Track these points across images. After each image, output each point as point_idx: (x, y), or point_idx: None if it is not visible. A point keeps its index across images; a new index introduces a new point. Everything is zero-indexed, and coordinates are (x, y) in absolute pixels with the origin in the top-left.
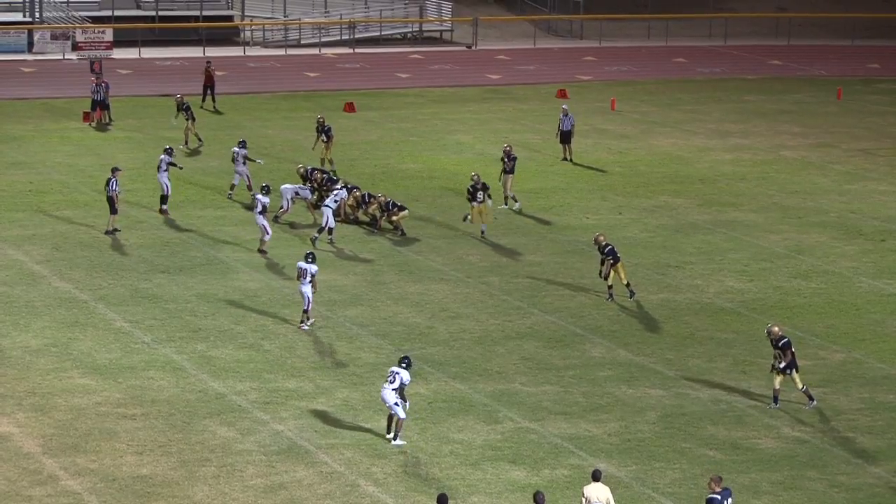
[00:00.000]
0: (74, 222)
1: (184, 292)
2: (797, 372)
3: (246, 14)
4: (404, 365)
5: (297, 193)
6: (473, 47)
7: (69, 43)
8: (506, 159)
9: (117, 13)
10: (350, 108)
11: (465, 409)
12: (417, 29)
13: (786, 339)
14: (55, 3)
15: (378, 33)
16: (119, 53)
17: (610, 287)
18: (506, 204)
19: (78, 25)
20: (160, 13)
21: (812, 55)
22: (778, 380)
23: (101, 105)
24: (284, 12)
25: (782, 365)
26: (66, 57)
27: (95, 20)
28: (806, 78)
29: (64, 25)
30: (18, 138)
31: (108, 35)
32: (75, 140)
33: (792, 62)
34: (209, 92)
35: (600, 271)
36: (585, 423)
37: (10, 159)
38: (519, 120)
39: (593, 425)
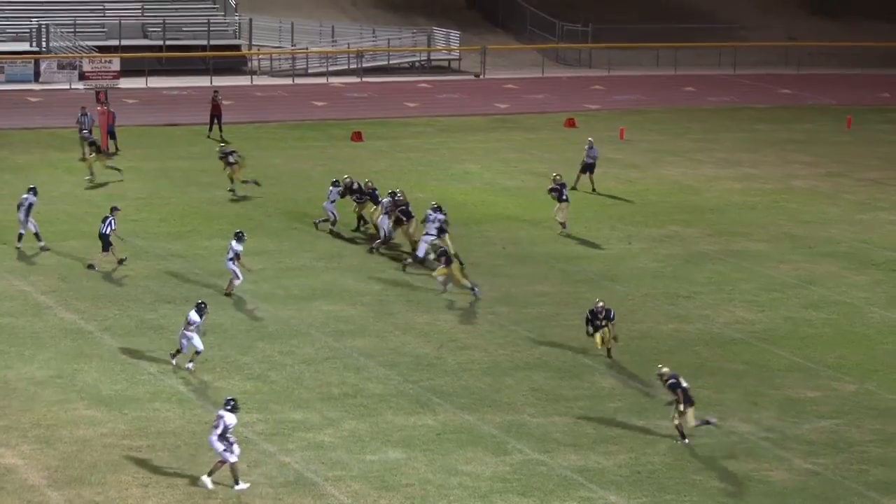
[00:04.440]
0: (80, 253)
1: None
2: (691, 407)
3: (253, 43)
4: (229, 408)
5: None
6: (481, 76)
7: (76, 72)
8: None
9: (124, 43)
10: (357, 137)
11: (473, 441)
12: (425, 58)
13: (673, 380)
14: (62, 32)
15: (386, 62)
16: (126, 83)
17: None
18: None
19: (85, 55)
20: (167, 42)
21: (822, 84)
22: (690, 413)
23: (86, 140)
24: (292, 41)
25: (681, 408)
26: (72, 86)
27: (102, 49)
28: (816, 107)
29: (71, 55)
30: (25, 168)
31: (115, 64)
32: (81, 170)
33: (802, 91)
34: (216, 121)
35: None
36: (595, 455)
37: (17, 190)
38: (527, 149)
39: (603, 457)
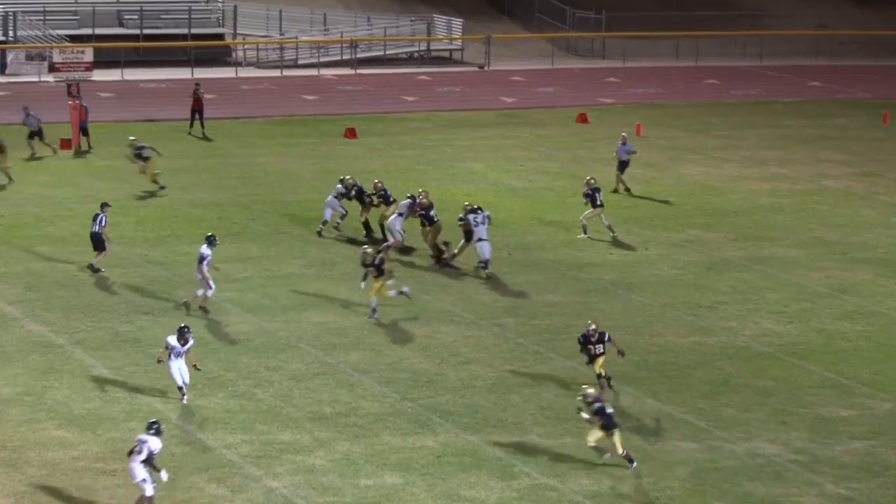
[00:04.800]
0: (50, 259)
1: (169, 335)
2: (616, 431)
3: (238, 32)
4: (153, 431)
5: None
6: (486, 68)
7: (45, 64)
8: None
9: (98, 32)
10: (351, 133)
11: (477, 464)
12: (425, 48)
13: (598, 404)
14: (30, 20)
15: (382, 53)
16: (100, 75)
17: (601, 377)
18: (613, 232)
19: (55, 45)
20: (145, 31)
21: (855, 76)
22: (616, 439)
23: (38, 134)
24: (280, 30)
25: (599, 433)
26: (42, 79)
27: (74, 39)
28: (849, 101)
29: (40, 45)
30: None
31: (88, 55)
32: (52, 169)
33: (833, 84)
34: (197, 116)
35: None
36: (609, 479)
37: None
38: (535, 147)
39: (618, 481)
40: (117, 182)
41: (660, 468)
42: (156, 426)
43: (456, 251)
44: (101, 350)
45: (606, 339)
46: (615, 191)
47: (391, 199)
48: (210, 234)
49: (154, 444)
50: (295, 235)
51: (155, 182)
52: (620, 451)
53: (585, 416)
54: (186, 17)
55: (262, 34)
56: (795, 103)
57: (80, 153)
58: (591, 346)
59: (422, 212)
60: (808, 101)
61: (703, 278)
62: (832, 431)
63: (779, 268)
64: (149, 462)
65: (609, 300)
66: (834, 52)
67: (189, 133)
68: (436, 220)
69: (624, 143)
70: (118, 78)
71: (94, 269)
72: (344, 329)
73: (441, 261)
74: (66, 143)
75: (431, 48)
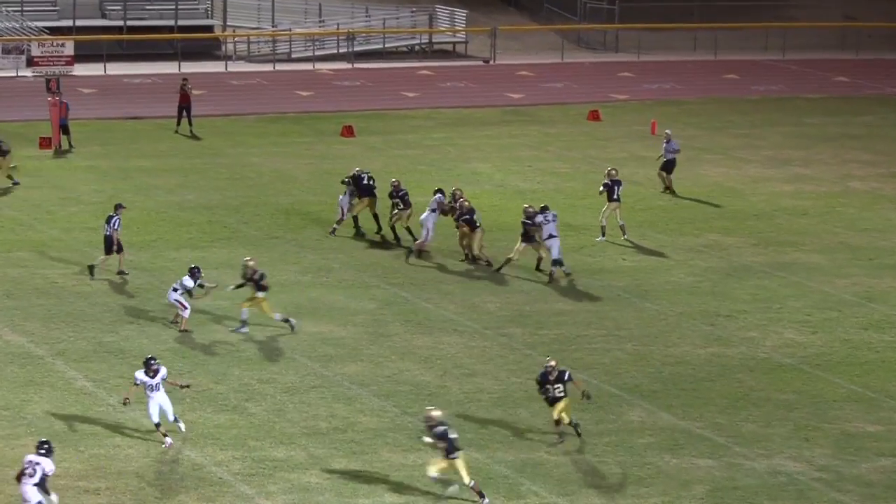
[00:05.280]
0: (29, 266)
1: (155, 346)
2: (462, 460)
3: (228, 24)
4: (44, 451)
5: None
6: (491, 62)
7: (23, 58)
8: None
9: (79, 24)
10: (348, 132)
11: (482, 482)
12: (426, 41)
13: (441, 427)
14: (7, 11)
15: (381, 46)
16: (81, 70)
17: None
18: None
19: (34, 38)
20: (129, 23)
21: (884, 71)
22: (438, 466)
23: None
24: (273, 22)
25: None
26: (19, 74)
27: (54, 31)
28: (877, 97)
29: (17, 38)
30: None
31: (69, 49)
32: (31, 170)
33: (861, 79)
34: (185, 113)
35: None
36: (623, 499)
37: None
38: (544, 146)
39: (632, 500)
40: (100, 183)
41: (676, 487)
42: (46, 446)
43: (513, 256)
44: (84, 361)
45: (567, 377)
46: (666, 190)
47: (410, 202)
48: (194, 265)
49: (47, 465)
50: (289, 240)
51: (10, 178)
52: (467, 480)
53: (427, 440)
54: (173, 7)
55: (254, 26)
56: (820, 100)
57: (60, 153)
58: (549, 387)
59: (466, 216)
60: (833, 98)
61: (721, 285)
62: (858, 448)
63: (802, 274)
64: (42, 485)
65: (622, 309)
66: (861, 45)
67: (176, 131)
68: (478, 224)
69: (668, 142)
70: (100, 73)
71: (92, 271)
72: (341, 339)
73: (487, 265)
74: (45, 142)
75: (433, 41)
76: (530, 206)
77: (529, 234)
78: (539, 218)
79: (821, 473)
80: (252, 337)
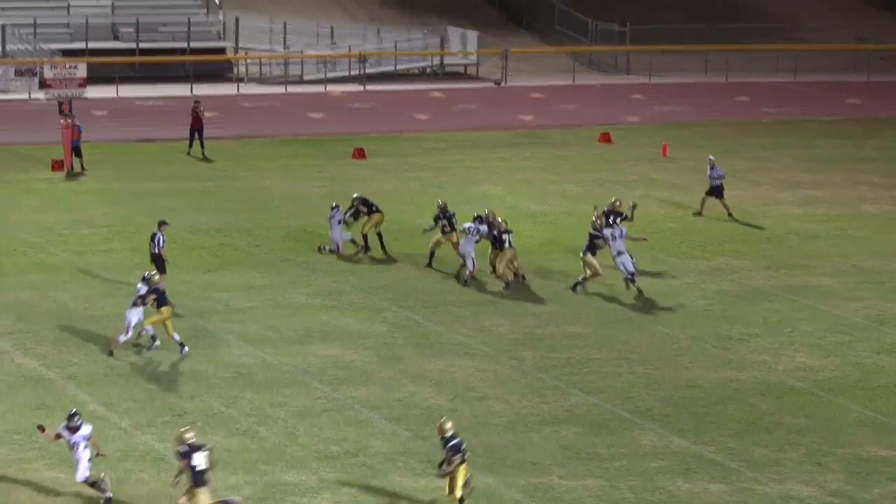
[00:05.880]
0: (41, 289)
1: (167, 370)
2: (206, 491)
3: (240, 46)
4: (78, 422)
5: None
6: (503, 84)
7: (36, 80)
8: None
9: (92, 46)
10: (360, 154)
11: None
12: (438, 63)
13: (187, 449)
14: (20, 34)
15: (392, 68)
16: (93, 92)
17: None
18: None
19: (46, 60)
20: (141, 45)
21: None
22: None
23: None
24: (284, 44)
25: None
26: (32, 96)
27: (66, 54)
28: (889, 120)
29: (30, 60)
30: None
31: (82, 71)
32: (43, 192)
33: (873, 101)
34: (197, 136)
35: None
36: None
37: None
38: (556, 168)
39: None
40: (112, 206)
41: None
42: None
43: (588, 273)
44: (95, 385)
45: (460, 448)
46: (698, 214)
47: (455, 225)
48: (148, 273)
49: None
50: (300, 263)
51: None
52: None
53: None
54: (185, 30)
55: (266, 48)
56: (832, 122)
57: (72, 175)
58: (444, 459)
59: (502, 234)
60: (845, 120)
61: (733, 309)
62: (871, 472)
63: (814, 298)
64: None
65: (633, 332)
66: (874, 67)
67: (188, 154)
68: (511, 244)
69: (713, 168)
70: (113, 95)
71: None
72: (352, 363)
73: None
74: (57, 165)
75: (445, 63)
76: (598, 219)
77: (597, 247)
78: (607, 231)
79: (833, 498)
80: (263, 360)
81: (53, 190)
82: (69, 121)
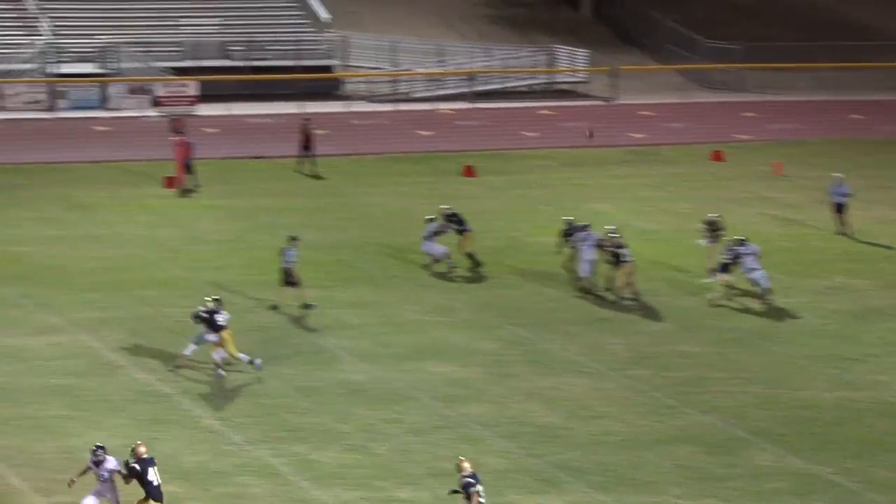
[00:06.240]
0: (155, 304)
1: (281, 385)
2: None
3: (349, 64)
4: (101, 452)
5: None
6: (613, 101)
7: (149, 98)
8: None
9: (203, 64)
10: (469, 171)
11: None
12: (547, 80)
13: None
14: (132, 52)
15: (501, 86)
16: (205, 110)
17: None
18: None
19: (159, 78)
20: (251, 64)
21: None
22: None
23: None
24: (393, 62)
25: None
26: (144, 114)
27: (178, 72)
28: None
29: (143, 78)
30: (91, 207)
31: (193, 89)
32: (155, 209)
33: None
34: (307, 153)
35: None
36: None
37: (83, 231)
38: (667, 186)
39: None
40: (224, 222)
41: None
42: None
43: (716, 288)
44: (210, 400)
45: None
46: (841, 233)
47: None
48: (212, 297)
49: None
50: (411, 279)
51: None
52: None
53: (120, 469)
54: (295, 48)
55: (375, 66)
56: None
57: (184, 192)
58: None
59: (617, 249)
60: None
61: (849, 328)
62: None
63: None
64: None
65: (748, 351)
66: None
67: (298, 171)
68: (629, 259)
69: (840, 185)
70: (224, 112)
71: (308, 306)
72: (465, 379)
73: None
74: (170, 182)
75: (554, 81)
76: (732, 240)
77: (729, 265)
78: (740, 250)
79: None
80: (376, 376)
81: (166, 206)
82: (181, 138)
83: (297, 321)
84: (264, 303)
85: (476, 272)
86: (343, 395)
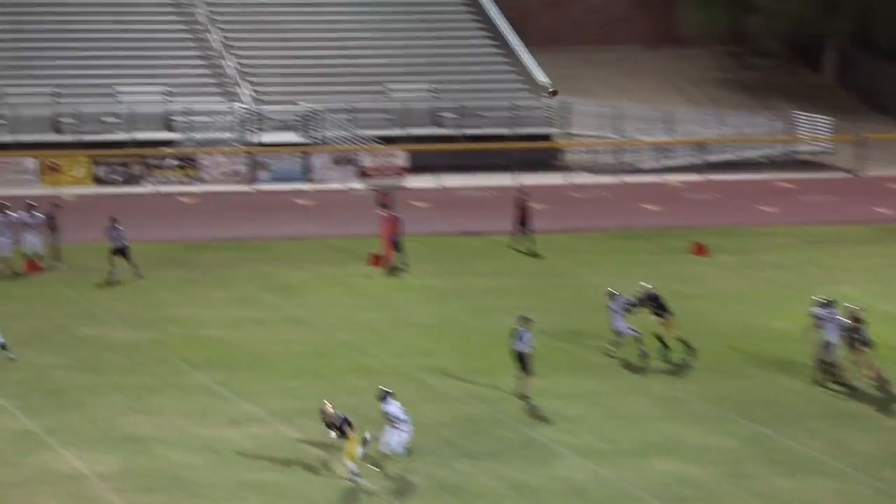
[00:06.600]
0: (360, 393)
1: (494, 482)
2: None
3: (569, 132)
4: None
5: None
6: (859, 173)
7: (354, 169)
8: None
9: (412, 132)
10: (700, 250)
11: None
12: (786, 150)
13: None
14: (337, 119)
15: (735, 156)
16: (413, 181)
17: None
18: None
19: (365, 148)
20: (464, 132)
21: None
22: None
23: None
24: (617, 130)
25: None
26: (350, 186)
27: (384, 141)
28: None
29: (348, 147)
30: (292, 287)
31: (401, 159)
32: (361, 289)
33: None
34: (523, 229)
35: None
36: None
37: (283, 313)
38: None
39: None
40: (434, 304)
41: None
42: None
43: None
44: (421, 499)
45: None
46: None
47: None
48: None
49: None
50: (635, 368)
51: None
52: None
53: None
54: (511, 115)
55: (597, 134)
56: None
57: (392, 271)
58: None
59: (853, 331)
60: None
61: None
62: None
63: None
64: None
65: None
66: None
67: (514, 248)
68: (867, 342)
69: None
70: (434, 184)
71: (524, 397)
72: (696, 480)
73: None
74: (377, 260)
75: (793, 150)
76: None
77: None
78: None
79: None
80: (598, 474)
81: (372, 286)
82: (389, 213)
83: (509, 413)
84: (470, 392)
85: (697, 359)
86: (561, 495)
